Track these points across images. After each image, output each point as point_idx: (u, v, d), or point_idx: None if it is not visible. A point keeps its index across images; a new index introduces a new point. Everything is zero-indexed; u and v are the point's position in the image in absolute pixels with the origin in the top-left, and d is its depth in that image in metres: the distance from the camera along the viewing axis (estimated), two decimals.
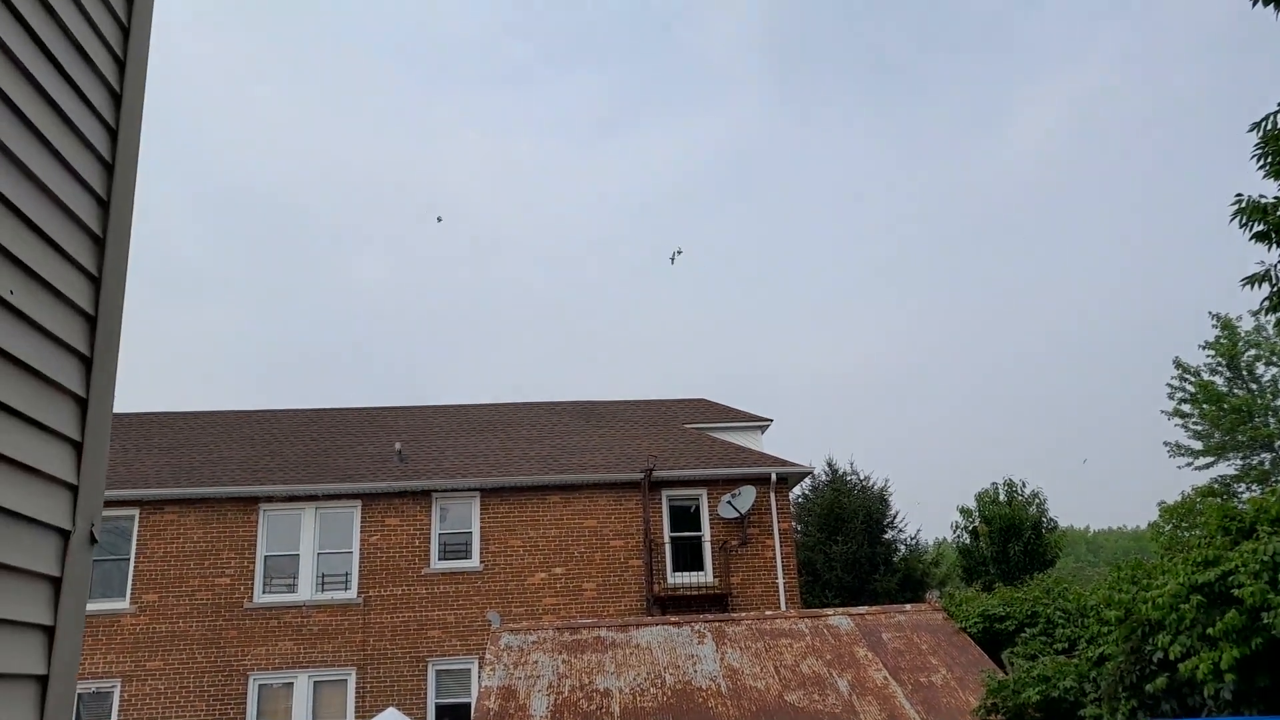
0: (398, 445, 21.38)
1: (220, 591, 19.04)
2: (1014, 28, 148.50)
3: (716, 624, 13.99)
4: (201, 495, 19.45)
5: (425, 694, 18.75)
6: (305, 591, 19.30)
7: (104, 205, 2.83)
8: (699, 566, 20.36)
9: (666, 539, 20.39)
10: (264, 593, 19.25)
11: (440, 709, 18.78)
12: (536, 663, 12.87)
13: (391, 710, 13.03)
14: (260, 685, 18.63)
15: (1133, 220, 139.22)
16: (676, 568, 20.31)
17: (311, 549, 19.59)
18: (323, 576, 19.52)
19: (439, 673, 19.04)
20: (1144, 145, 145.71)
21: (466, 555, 19.92)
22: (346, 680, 18.76)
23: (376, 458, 21.35)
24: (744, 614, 15.03)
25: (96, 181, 2.80)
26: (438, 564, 19.72)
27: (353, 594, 19.32)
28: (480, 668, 18.24)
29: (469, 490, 20.17)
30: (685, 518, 20.83)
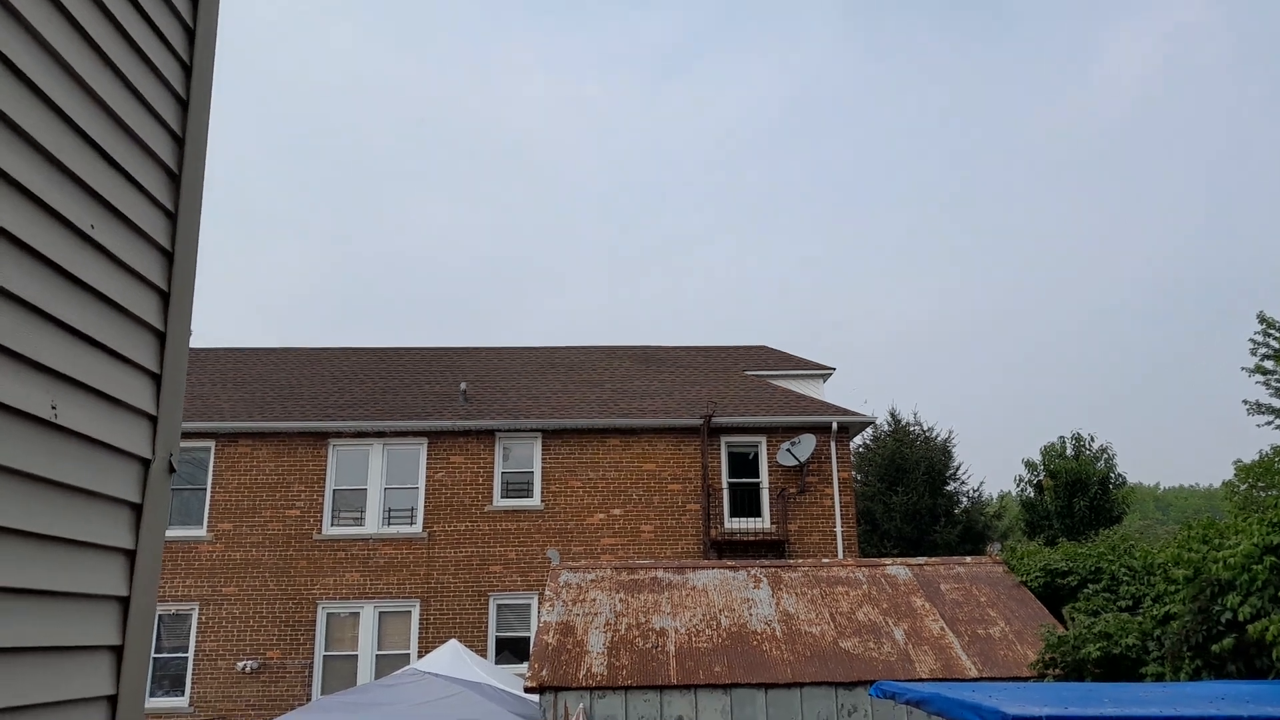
0: (463, 385, 21.73)
1: (290, 523, 19.72)
2: None
3: (773, 569, 14.06)
4: (274, 429, 20.05)
5: (486, 627, 19.28)
6: (372, 525, 19.88)
7: (179, 142, 2.87)
8: (756, 513, 20.43)
9: (725, 484, 20.47)
10: (332, 525, 19.89)
11: (500, 642, 19.32)
12: (594, 600, 13.11)
13: (453, 642, 13.42)
14: (329, 614, 19.34)
15: (1223, 167, 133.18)
16: (734, 513, 20.41)
17: (379, 484, 20.12)
18: (389, 511, 20.08)
19: (499, 607, 19.54)
20: (1234, 89, 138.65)
21: (528, 494, 20.28)
22: (411, 611, 19.37)
23: (442, 397, 21.74)
24: (801, 560, 15.08)
25: (172, 118, 2.84)
26: (500, 502, 20.12)
27: (418, 528, 19.84)
28: (539, 603, 18.67)
29: (531, 431, 20.46)
30: (744, 464, 20.86)
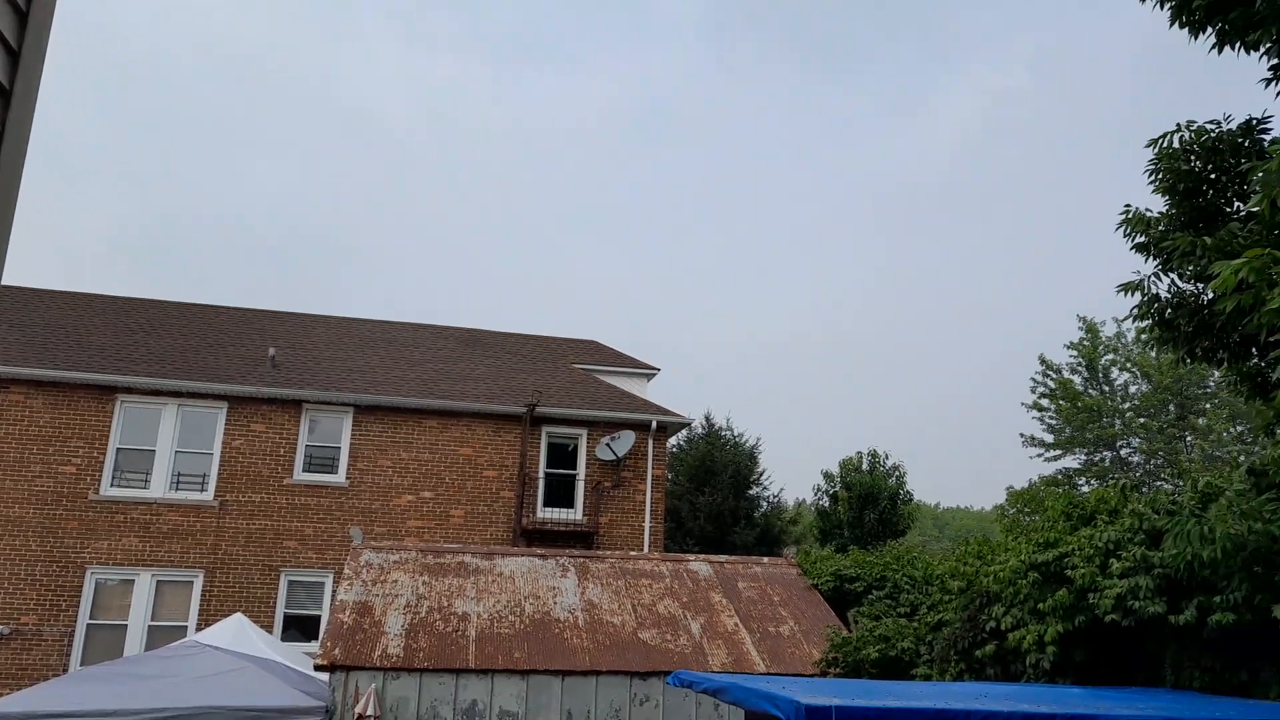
0: (272, 350, 20.64)
1: (64, 480, 18.12)
2: (945, 14, 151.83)
3: (581, 559, 14.17)
4: (54, 379, 18.36)
5: (275, 603, 18.41)
6: (158, 489, 18.57)
7: (22, 18, 2.56)
8: (570, 504, 20.54)
9: (541, 474, 20.46)
10: (112, 485, 18.42)
11: (289, 619, 18.49)
12: (396, 581, 12.79)
13: (238, 615, 12.71)
14: (98, 580, 17.91)
15: (1030, 218, 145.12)
16: (548, 503, 20.42)
17: (169, 446, 18.82)
18: (179, 475, 18.81)
19: (291, 583, 18.71)
20: (1052, 147, 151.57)
21: (333, 470, 19.52)
22: (194, 582, 18.23)
23: (248, 360, 20.58)
24: (609, 552, 15.28)
25: None
26: (301, 475, 19.26)
27: (209, 496, 18.70)
28: (336, 582, 18.00)
29: (342, 405, 19.70)
30: (563, 455, 20.92)
